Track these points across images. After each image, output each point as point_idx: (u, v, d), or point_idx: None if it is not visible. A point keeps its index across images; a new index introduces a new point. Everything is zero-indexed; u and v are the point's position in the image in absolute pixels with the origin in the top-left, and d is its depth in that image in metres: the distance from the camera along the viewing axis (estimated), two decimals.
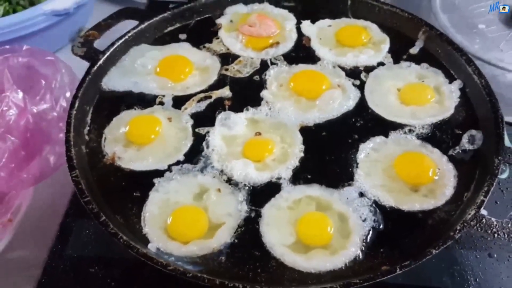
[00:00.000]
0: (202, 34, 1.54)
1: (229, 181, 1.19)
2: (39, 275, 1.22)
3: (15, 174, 1.26)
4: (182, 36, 1.54)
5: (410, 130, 1.29)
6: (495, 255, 1.25)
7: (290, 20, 1.57)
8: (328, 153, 1.25)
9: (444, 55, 1.44)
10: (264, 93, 1.37)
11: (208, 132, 1.28)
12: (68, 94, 1.39)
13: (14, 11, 1.73)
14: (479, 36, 1.61)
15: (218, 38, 1.53)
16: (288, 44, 1.51)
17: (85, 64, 1.46)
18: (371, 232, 1.10)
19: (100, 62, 1.38)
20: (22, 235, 1.26)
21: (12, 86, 1.31)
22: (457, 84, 1.37)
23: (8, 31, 1.57)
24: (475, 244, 1.27)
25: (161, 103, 1.36)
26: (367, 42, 1.49)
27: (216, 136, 1.27)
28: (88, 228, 1.28)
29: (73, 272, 1.22)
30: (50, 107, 1.35)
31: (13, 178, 1.26)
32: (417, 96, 1.35)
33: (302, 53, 1.49)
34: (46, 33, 1.67)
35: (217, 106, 1.35)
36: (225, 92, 1.38)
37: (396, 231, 1.12)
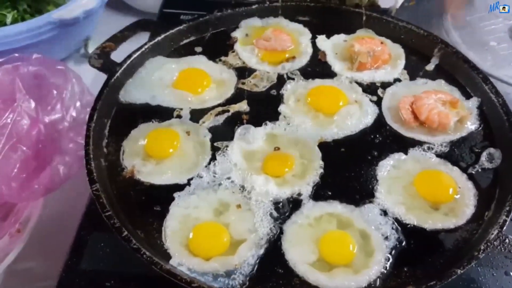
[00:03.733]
0: (217, 47, 1.54)
1: (249, 196, 1.18)
2: None
3: (26, 185, 1.24)
4: (198, 49, 1.53)
5: (429, 148, 1.29)
6: (511, 273, 1.25)
7: (305, 34, 1.58)
8: (348, 170, 1.25)
9: (460, 73, 1.45)
10: (281, 108, 1.37)
11: (226, 146, 1.27)
12: (78, 104, 1.37)
13: (23, 19, 1.71)
14: (490, 53, 1.63)
15: (234, 52, 1.52)
16: (304, 59, 1.51)
17: (93, 73, 1.47)
18: (394, 250, 1.10)
19: (118, 74, 1.37)
20: (32, 247, 1.24)
21: (24, 96, 1.29)
22: (474, 101, 1.38)
23: (16, 39, 1.56)
24: (492, 261, 1.26)
25: (179, 116, 1.35)
26: None
27: (235, 151, 1.26)
28: (103, 242, 1.25)
29: (89, 286, 1.20)
30: (61, 117, 1.33)
31: (25, 189, 1.24)
32: None
33: (318, 68, 1.49)
34: (53, 41, 1.65)
35: (235, 120, 1.34)
36: (243, 106, 1.37)
37: (419, 250, 1.11)
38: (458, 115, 1.31)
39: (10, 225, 1.25)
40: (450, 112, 1.32)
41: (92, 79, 1.52)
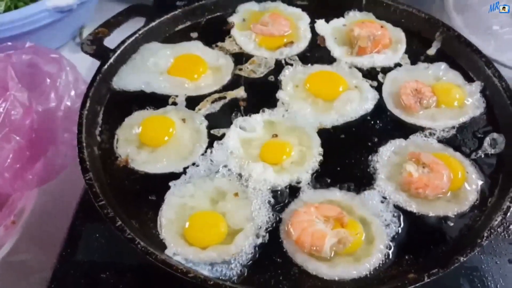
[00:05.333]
0: (214, 32, 1.51)
1: (246, 184, 1.15)
2: (48, 281, 1.17)
3: (20, 175, 1.22)
4: (194, 34, 1.50)
5: (430, 133, 1.27)
6: None
7: (303, 19, 1.54)
8: (348, 156, 1.23)
9: (462, 57, 1.42)
10: (280, 94, 1.34)
11: (223, 134, 1.25)
12: (72, 93, 1.35)
13: (16, 7, 1.68)
14: (493, 38, 1.60)
15: (230, 37, 1.49)
16: (302, 44, 1.47)
17: (88, 62, 1.45)
18: (395, 238, 1.08)
19: (111, 60, 1.35)
20: (27, 238, 1.23)
21: (17, 84, 1.27)
22: (477, 86, 1.35)
23: (9, 28, 1.53)
24: (495, 249, 1.24)
25: (174, 104, 1.32)
26: None
27: (232, 138, 1.23)
28: (99, 232, 1.24)
29: (84, 278, 1.18)
30: (55, 106, 1.32)
31: (18, 179, 1.22)
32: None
33: (317, 53, 1.46)
34: (48, 30, 1.62)
35: (232, 107, 1.32)
36: (240, 92, 1.34)
37: (420, 238, 1.09)
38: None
39: (5, 217, 1.23)
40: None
41: (88, 68, 1.50)
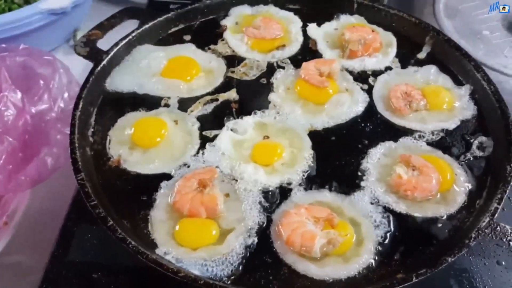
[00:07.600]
0: (206, 35, 1.52)
1: (237, 185, 1.16)
2: (40, 281, 1.18)
3: (13, 177, 1.22)
4: (186, 37, 1.52)
5: (420, 136, 1.28)
6: (503, 263, 1.24)
7: (295, 22, 1.56)
8: (338, 158, 1.24)
9: (452, 61, 1.44)
10: (271, 97, 1.35)
11: (215, 135, 1.26)
12: (66, 95, 1.36)
13: (10, 10, 1.69)
14: (483, 42, 1.62)
15: (223, 40, 1.51)
16: (294, 47, 1.49)
17: (82, 64, 1.45)
18: (384, 239, 1.09)
19: (104, 62, 1.35)
20: (19, 239, 1.22)
21: (10, 86, 1.28)
22: (467, 89, 1.37)
23: (3, 30, 1.53)
24: (483, 251, 1.25)
25: (167, 105, 1.33)
26: None
27: (223, 140, 1.24)
28: (91, 233, 1.24)
29: (75, 278, 1.18)
30: (48, 107, 1.33)
31: (11, 180, 1.22)
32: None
33: (308, 56, 1.47)
34: (42, 32, 1.63)
35: (224, 109, 1.33)
36: (232, 95, 1.36)
37: (409, 238, 1.10)
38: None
39: None
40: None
41: (81, 70, 1.50)
